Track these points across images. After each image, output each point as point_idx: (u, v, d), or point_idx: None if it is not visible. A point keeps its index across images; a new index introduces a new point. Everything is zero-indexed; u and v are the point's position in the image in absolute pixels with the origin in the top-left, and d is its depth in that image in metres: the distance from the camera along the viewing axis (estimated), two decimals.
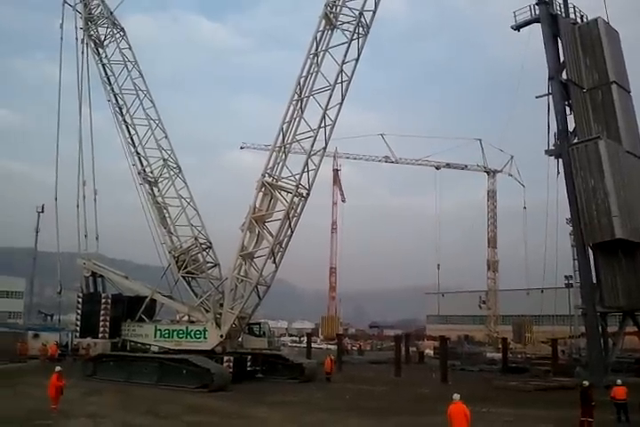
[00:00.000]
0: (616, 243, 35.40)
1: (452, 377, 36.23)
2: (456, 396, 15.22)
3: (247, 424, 19.32)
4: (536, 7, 39.33)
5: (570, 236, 37.45)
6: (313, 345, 57.58)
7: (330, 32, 31.18)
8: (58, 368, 20.27)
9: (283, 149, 31.53)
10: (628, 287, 35.90)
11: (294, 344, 72.56)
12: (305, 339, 60.41)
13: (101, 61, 36.85)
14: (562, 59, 39.17)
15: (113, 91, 36.32)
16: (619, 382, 21.58)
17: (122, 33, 37.04)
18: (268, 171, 31.46)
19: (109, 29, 36.99)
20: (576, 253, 37.26)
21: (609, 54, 39.11)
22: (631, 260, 36.19)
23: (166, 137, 35.70)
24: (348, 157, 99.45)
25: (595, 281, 36.85)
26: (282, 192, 31.29)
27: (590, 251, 37.35)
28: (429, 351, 61.98)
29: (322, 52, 31.04)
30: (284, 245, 31.51)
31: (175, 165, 35.53)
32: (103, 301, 33.79)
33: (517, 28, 40.77)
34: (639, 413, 20.36)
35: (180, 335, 32.43)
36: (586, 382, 21.29)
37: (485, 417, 21.01)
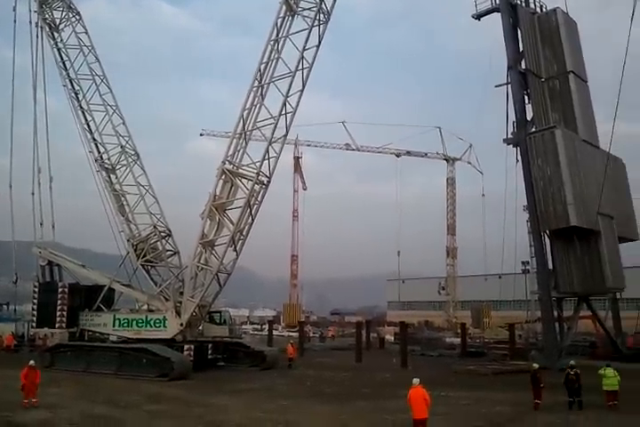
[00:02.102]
0: (571, 230, 36.23)
1: (412, 362, 36.74)
2: (415, 380, 15.41)
3: (208, 412, 19.22)
4: None
5: (527, 223, 38.13)
6: (274, 333, 57.70)
7: (290, 18, 30.93)
8: (32, 362, 19.60)
9: (243, 136, 31.27)
10: (583, 273, 36.81)
11: (256, 332, 72.52)
12: (266, 327, 60.34)
13: (57, 46, 35.87)
14: (521, 48, 39.67)
15: (69, 76, 35.44)
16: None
17: (78, 17, 36.05)
18: (229, 158, 31.20)
19: (65, 13, 35.99)
20: (532, 239, 37.97)
21: (567, 44, 39.77)
22: (586, 246, 37.05)
23: (124, 123, 35.03)
24: (309, 145, 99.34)
25: (550, 267, 37.73)
26: (242, 180, 31.09)
27: (546, 238, 38.21)
28: (390, 337, 62.66)
29: (282, 39, 30.79)
30: (244, 233, 31.37)
31: (133, 152, 34.92)
32: (60, 290, 33.20)
33: (478, 17, 41.18)
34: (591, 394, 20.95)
35: (140, 324, 32.11)
36: (535, 365, 21.96)
37: (444, 401, 21.39)
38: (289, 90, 30.19)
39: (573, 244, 37.17)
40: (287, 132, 31.02)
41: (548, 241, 38.23)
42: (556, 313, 37.66)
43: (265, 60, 30.87)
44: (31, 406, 18.89)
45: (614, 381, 20.37)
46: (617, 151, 39.90)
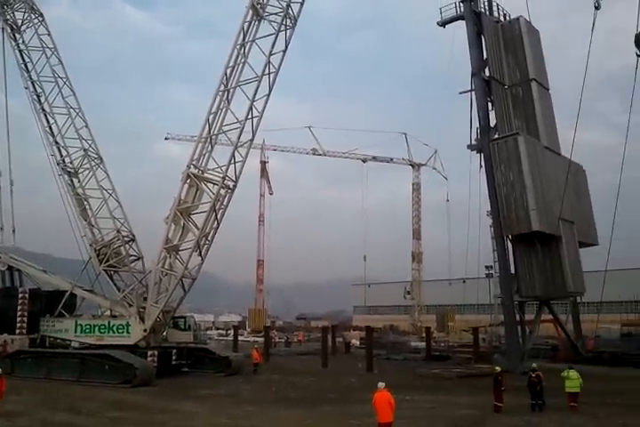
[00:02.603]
0: (533, 235, 36.85)
1: (377, 366, 36.83)
2: (381, 384, 15.46)
3: (172, 419, 19.03)
4: (461, 4, 40.28)
5: (490, 228, 38.67)
6: (240, 338, 57.38)
7: (257, 23, 30.88)
8: None
9: (209, 140, 31.06)
10: (544, 277, 37.44)
11: (221, 338, 72.00)
12: (232, 332, 59.98)
13: (18, 47, 35.26)
14: (485, 56, 40.26)
15: (30, 78, 34.86)
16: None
17: (40, 18, 35.49)
18: (194, 162, 30.95)
19: (27, 14, 35.40)
20: (495, 244, 38.49)
21: (529, 52, 40.56)
22: (547, 251, 37.70)
23: (87, 126, 34.58)
24: (275, 149, 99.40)
25: (513, 271, 38.28)
26: (208, 184, 30.89)
27: (509, 242, 38.77)
28: (356, 342, 62.78)
29: (249, 43, 30.72)
30: (210, 238, 31.15)
31: (96, 156, 34.47)
32: (20, 295, 32.58)
33: (443, 24, 41.71)
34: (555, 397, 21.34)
35: (102, 330, 31.62)
36: (497, 368, 22.32)
37: (409, 404, 21.56)
38: (255, 94, 30.16)
39: (535, 248, 37.79)
40: (253, 136, 30.99)
41: (510, 245, 38.82)
42: (518, 317, 38.20)
43: (231, 64, 30.76)
44: None
45: (576, 383, 20.84)
46: (578, 158, 40.77)
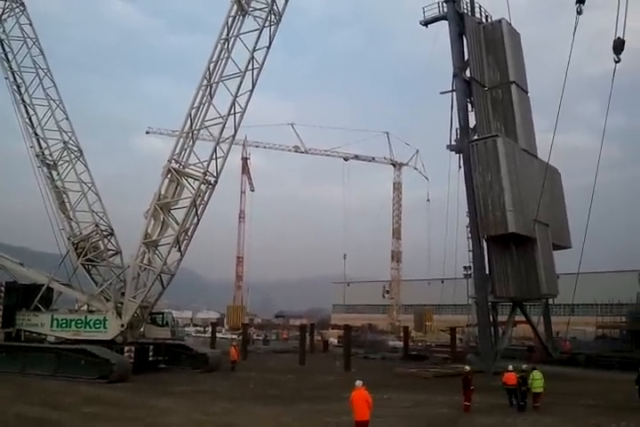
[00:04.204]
0: (508, 236, 37.21)
1: (355, 365, 37.06)
2: (358, 382, 15.50)
3: (148, 415, 18.95)
4: (444, 5, 40.48)
5: (466, 228, 38.92)
6: (218, 335, 57.28)
7: (241, 18, 30.73)
8: None
9: (190, 135, 30.91)
10: (519, 279, 37.83)
11: (199, 334, 71.79)
12: (210, 329, 59.77)
13: None
14: (466, 57, 40.52)
15: (11, 68, 34.37)
16: (510, 368, 22.79)
17: (22, 7, 34.99)
18: (175, 157, 30.79)
19: (8, 3, 34.87)
20: (472, 245, 38.70)
21: (510, 55, 40.91)
22: (522, 253, 38.09)
23: (67, 118, 34.25)
24: (257, 146, 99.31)
25: (488, 272, 38.59)
26: (188, 179, 30.76)
27: (485, 243, 39.07)
28: (334, 340, 63.01)
29: (233, 38, 30.56)
30: (189, 234, 31.03)
31: (76, 148, 34.15)
32: None
33: (426, 23, 41.93)
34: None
35: (79, 325, 31.34)
36: (467, 368, 22.78)
37: (387, 403, 21.70)
38: (238, 90, 30.01)
39: (510, 250, 38.17)
40: (235, 132, 30.90)
41: (485, 246, 39.13)
42: (491, 317, 38.53)
43: (214, 58, 30.60)
44: None
45: (539, 383, 21.28)
46: (556, 160, 41.27)
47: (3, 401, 18.18)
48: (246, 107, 30.38)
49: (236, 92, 29.99)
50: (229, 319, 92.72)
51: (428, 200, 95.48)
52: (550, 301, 43.09)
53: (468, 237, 38.78)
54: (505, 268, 38.20)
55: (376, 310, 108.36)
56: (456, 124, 39.75)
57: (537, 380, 21.30)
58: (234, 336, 66.67)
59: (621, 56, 26.48)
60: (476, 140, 38.88)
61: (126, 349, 30.03)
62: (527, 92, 42.88)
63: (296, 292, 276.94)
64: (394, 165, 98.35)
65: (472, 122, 39.97)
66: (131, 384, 26.47)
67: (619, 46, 26.21)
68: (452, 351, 44.03)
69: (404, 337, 51.76)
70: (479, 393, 23.28)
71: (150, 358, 32.25)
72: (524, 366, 22.88)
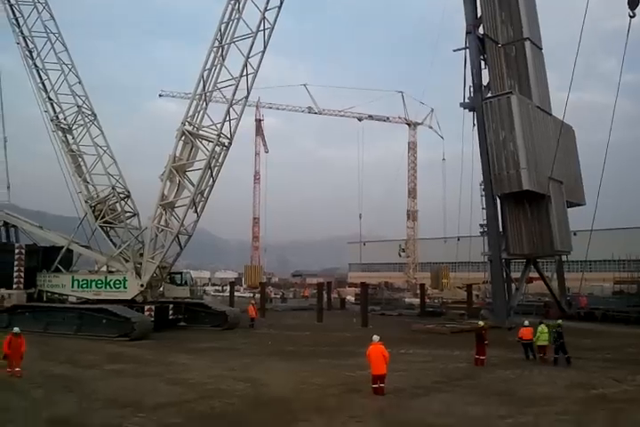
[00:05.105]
0: (522, 194, 37.12)
1: (372, 322, 37.58)
2: (375, 337, 15.86)
3: (169, 371, 19.48)
4: None
5: (480, 186, 38.82)
6: (236, 294, 58.08)
7: None
8: (16, 329, 18.45)
9: (203, 97, 30.91)
10: (532, 236, 37.91)
11: (217, 293, 72.87)
12: (228, 288, 60.64)
13: (9, 2, 34.53)
14: (479, 13, 39.72)
15: (22, 33, 34.29)
16: (526, 323, 23.15)
17: None
18: (189, 119, 30.88)
19: None
20: (485, 203, 38.65)
21: (524, 11, 40.14)
22: (536, 210, 38.11)
23: (80, 82, 34.26)
24: (270, 107, 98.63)
25: (502, 230, 38.64)
26: (203, 141, 30.91)
27: (499, 201, 39.03)
28: (351, 298, 63.75)
29: None
30: (205, 195, 31.35)
31: (90, 112, 34.28)
32: (17, 251, 32.80)
33: None
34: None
35: (99, 285, 32.07)
36: (480, 323, 23.18)
37: (404, 358, 22.25)
38: (250, 51, 29.81)
39: (524, 207, 38.15)
40: (248, 93, 30.85)
41: (499, 204, 39.09)
42: (505, 274, 38.75)
43: (225, 19, 30.31)
44: (14, 376, 17.51)
45: (545, 337, 21.76)
46: (567, 117, 40.65)
47: (28, 360, 18.73)
48: (258, 68, 30.23)
49: (248, 54, 29.78)
50: (247, 278, 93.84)
51: (444, 159, 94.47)
52: (566, 257, 43.18)
53: (481, 195, 38.73)
54: (519, 225, 38.23)
55: (392, 268, 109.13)
56: (470, 82, 39.24)
57: (543, 333, 21.85)
58: (254, 293, 67.44)
59: (637, 11, 25.99)
60: (490, 97, 38.43)
61: (146, 308, 30.74)
62: (541, 49, 42.07)
63: (310, 252, 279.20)
64: (409, 125, 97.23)
65: (486, 80, 39.42)
66: (151, 342, 27.20)
67: (634, 1, 25.71)
68: (468, 308, 44.41)
69: (421, 294, 52.27)
70: (496, 348, 23.74)
71: (170, 317, 33.02)
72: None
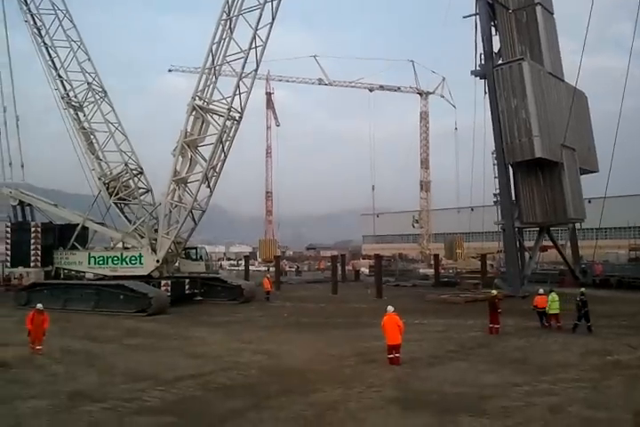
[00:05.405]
0: (535, 162, 36.78)
1: (386, 293, 37.74)
2: (390, 308, 15.94)
3: (187, 344, 19.77)
4: None
5: (492, 155, 38.46)
6: (251, 268, 58.46)
7: None
8: (39, 306, 18.57)
9: (213, 71, 30.74)
10: (545, 204, 37.70)
11: (232, 268, 73.32)
12: (243, 262, 61.05)
13: None
14: None
15: (30, 11, 34.12)
16: (540, 291, 23.14)
17: None
18: (199, 94, 30.76)
19: None
20: (497, 171, 38.34)
21: None
22: (549, 178, 37.80)
23: (89, 59, 34.16)
24: (280, 80, 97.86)
25: (514, 198, 38.42)
26: (213, 115, 30.83)
27: (511, 169, 38.71)
28: (365, 270, 63.95)
29: None
30: (217, 170, 31.38)
31: (100, 89, 34.23)
32: (33, 229, 33.22)
33: None
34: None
35: (115, 262, 32.43)
36: (493, 292, 23.20)
37: (419, 328, 22.40)
38: (258, 23, 29.51)
39: (537, 175, 37.85)
40: (257, 66, 30.62)
41: (512, 172, 38.77)
42: (518, 243, 38.64)
43: None
44: (36, 354, 17.61)
45: (556, 305, 21.82)
46: (580, 84, 39.98)
47: (48, 336, 19.02)
48: (267, 40, 29.93)
49: (257, 25, 29.49)
50: (262, 252, 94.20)
51: (456, 129, 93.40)
52: (580, 225, 42.98)
53: (494, 164, 38.41)
54: (532, 193, 38.01)
55: (406, 239, 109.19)
56: (480, 50, 38.67)
57: (554, 302, 21.87)
58: (268, 267, 67.89)
59: None
60: (501, 64, 37.87)
61: (163, 283, 31.12)
62: (553, 13, 41.23)
63: (323, 225, 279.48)
64: (420, 95, 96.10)
65: (497, 46, 38.79)
66: (169, 317, 27.57)
67: None
68: (482, 277, 44.43)
69: (435, 265, 52.37)
70: (511, 316, 23.86)
71: (187, 292, 33.34)
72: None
